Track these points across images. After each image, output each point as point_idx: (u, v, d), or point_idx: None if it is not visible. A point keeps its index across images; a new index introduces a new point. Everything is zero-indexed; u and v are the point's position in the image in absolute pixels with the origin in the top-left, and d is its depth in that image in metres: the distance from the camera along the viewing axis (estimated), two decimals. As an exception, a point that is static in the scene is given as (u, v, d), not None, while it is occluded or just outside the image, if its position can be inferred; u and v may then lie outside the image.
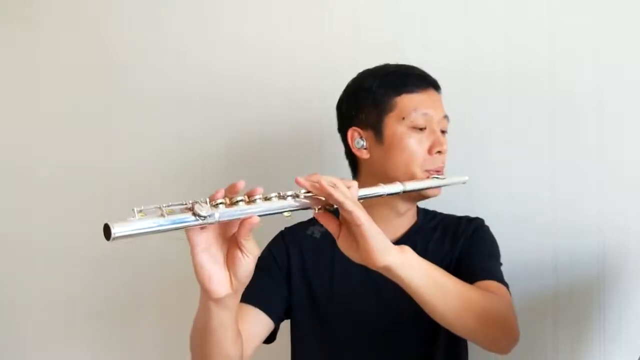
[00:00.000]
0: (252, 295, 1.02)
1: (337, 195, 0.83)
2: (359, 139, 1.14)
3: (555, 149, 1.40)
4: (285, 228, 1.23)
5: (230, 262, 0.83)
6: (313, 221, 1.21)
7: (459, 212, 1.24)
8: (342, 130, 1.18)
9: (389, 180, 1.04)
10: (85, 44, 1.69)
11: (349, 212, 0.83)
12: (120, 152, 1.67)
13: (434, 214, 1.23)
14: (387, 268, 0.86)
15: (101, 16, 1.68)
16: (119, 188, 1.67)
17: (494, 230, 1.21)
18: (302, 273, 1.17)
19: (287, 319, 1.19)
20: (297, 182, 0.85)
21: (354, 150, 1.15)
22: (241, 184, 0.81)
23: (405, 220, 1.18)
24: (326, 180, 0.84)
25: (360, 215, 0.83)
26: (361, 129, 1.14)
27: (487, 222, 1.21)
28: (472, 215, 1.22)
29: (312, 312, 1.17)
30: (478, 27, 1.44)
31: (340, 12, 1.52)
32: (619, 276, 1.37)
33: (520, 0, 1.42)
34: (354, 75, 1.19)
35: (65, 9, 1.70)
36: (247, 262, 0.82)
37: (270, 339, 1.15)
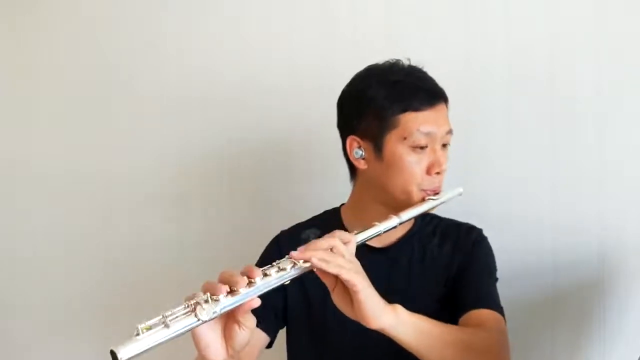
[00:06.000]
0: None
1: (331, 269, 0.85)
2: (357, 149, 1.11)
3: (555, 149, 1.40)
4: (281, 232, 1.22)
5: (227, 333, 0.85)
6: (310, 223, 1.21)
7: (458, 212, 1.23)
8: (342, 133, 1.16)
9: (385, 193, 1.10)
10: (85, 44, 1.69)
11: (346, 281, 0.86)
12: (121, 152, 1.67)
13: (431, 217, 1.21)
14: (380, 329, 0.89)
15: (101, 16, 1.68)
16: (119, 188, 1.67)
17: (494, 230, 1.21)
18: (298, 279, 1.16)
19: (283, 326, 1.19)
20: (292, 257, 0.87)
21: (352, 159, 1.13)
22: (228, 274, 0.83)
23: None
24: (319, 252, 0.86)
25: (357, 282, 0.86)
26: (361, 138, 1.11)
27: (486, 223, 1.21)
28: (472, 215, 1.22)
29: (307, 322, 1.16)
30: (478, 27, 1.44)
31: (340, 12, 1.52)
32: (619, 276, 1.37)
33: (520, 0, 1.42)
34: (353, 75, 1.16)
35: (65, 9, 1.70)
36: (244, 335, 0.85)
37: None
